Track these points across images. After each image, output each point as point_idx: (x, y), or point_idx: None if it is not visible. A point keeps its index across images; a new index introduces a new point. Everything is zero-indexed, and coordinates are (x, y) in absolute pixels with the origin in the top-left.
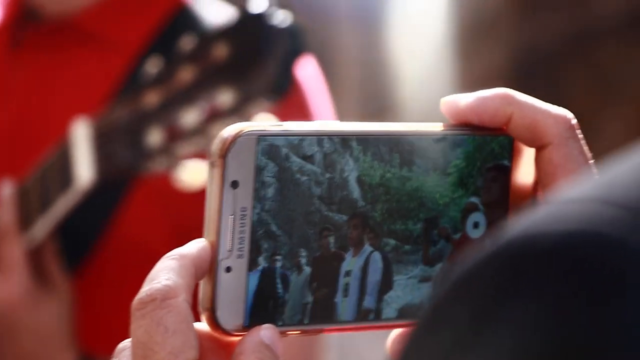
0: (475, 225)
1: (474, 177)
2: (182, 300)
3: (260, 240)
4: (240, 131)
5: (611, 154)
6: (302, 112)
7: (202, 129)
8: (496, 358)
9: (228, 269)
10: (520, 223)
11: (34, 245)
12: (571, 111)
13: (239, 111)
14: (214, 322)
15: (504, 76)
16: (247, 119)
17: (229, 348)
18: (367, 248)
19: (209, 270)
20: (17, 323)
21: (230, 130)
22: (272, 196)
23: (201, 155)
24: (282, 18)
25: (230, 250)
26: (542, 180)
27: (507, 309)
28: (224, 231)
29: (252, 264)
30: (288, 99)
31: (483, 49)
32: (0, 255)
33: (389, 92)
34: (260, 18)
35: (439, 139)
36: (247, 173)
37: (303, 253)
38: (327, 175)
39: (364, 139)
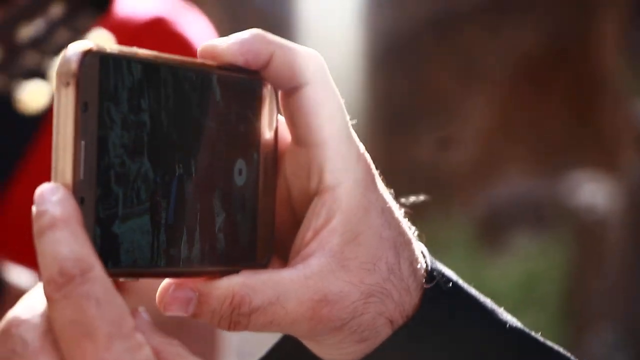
0: (240, 172)
1: (234, 123)
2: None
3: (104, 170)
4: (89, 50)
5: (474, 131)
6: (126, 27)
7: (40, 44)
8: None
9: (82, 200)
10: None
11: None
12: (435, 94)
13: (69, 23)
14: None
15: (366, 60)
16: (78, 33)
17: None
18: (186, 190)
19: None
20: None
21: (78, 48)
22: (114, 122)
23: (40, 73)
24: None
25: (82, 181)
26: (297, 121)
27: None
28: (78, 159)
29: (98, 196)
30: (113, 11)
31: (343, 35)
32: None
33: None
34: None
35: (206, 79)
36: (94, 95)
37: (144, 188)
38: (162, 106)
39: (173, 70)
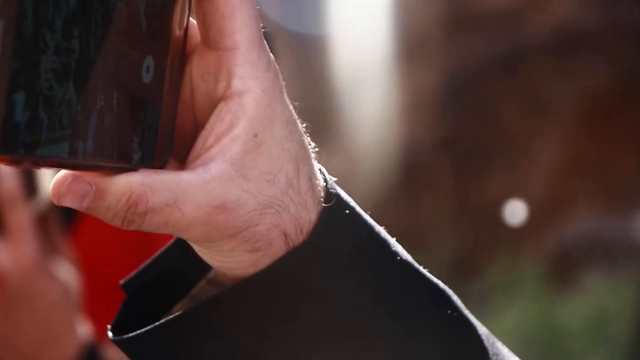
0: (147, 69)
1: (146, 17)
2: None
3: (24, 37)
4: None
5: (544, 169)
6: None
7: None
8: None
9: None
10: None
11: (39, 212)
12: (503, 132)
13: None
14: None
15: (434, 97)
16: None
17: None
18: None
19: None
20: (30, 290)
21: None
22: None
23: None
24: None
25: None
26: (211, 23)
27: None
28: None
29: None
30: None
31: (414, 71)
32: (8, 222)
33: (326, 108)
34: None
35: None
36: None
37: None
38: None
39: None
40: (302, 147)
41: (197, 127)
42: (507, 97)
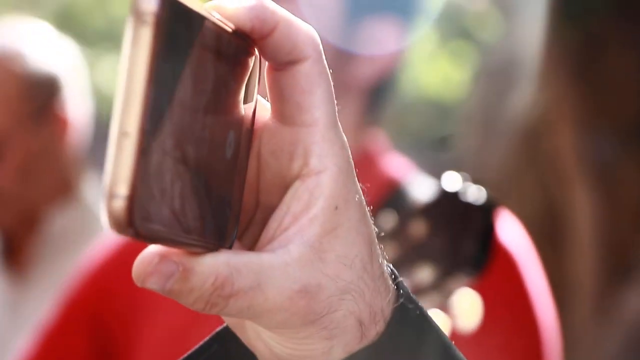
0: (230, 144)
1: (231, 90)
2: None
3: (164, 122)
4: None
5: None
6: (507, 283)
7: None
8: None
9: (144, 151)
10: None
11: None
12: None
13: (438, 287)
14: (131, 213)
15: None
16: (447, 295)
17: None
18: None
19: (125, 146)
20: None
21: None
22: (174, 71)
23: None
24: (476, 195)
25: (148, 129)
26: (288, 97)
27: None
28: (148, 103)
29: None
30: (489, 272)
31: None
32: None
33: None
34: (456, 196)
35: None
36: (165, 38)
37: (188, 146)
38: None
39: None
40: (373, 230)
41: (258, 206)
42: None
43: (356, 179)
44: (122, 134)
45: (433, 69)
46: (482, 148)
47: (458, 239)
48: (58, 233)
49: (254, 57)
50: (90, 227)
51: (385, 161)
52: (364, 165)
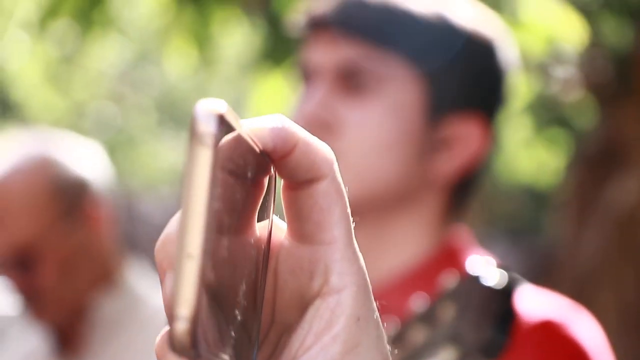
0: (252, 266)
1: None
2: None
3: (210, 242)
4: (224, 114)
5: None
6: None
7: None
8: None
9: (203, 274)
10: None
11: None
12: None
13: None
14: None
15: None
16: None
17: None
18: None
19: (189, 268)
20: None
21: (215, 108)
22: (222, 195)
23: None
24: (497, 279)
25: (206, 250)
26: (307, 216)
27: None
28: (207, 225)
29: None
30: (508, 356)
31: None
32: None
33: None
34: (479, 280)
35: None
36: (216, 161)
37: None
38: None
39: None
40: (388, 348)
41: (273, 324)
42: None
43: (372, 296)
44: (187, 255)
45: (528, 156)
46: (577, 236)
47: (478, 323)
48: (105, 319)
49: (268, 177)
50: (135, 310)
51: (465, 257)
52: (445, 261)
